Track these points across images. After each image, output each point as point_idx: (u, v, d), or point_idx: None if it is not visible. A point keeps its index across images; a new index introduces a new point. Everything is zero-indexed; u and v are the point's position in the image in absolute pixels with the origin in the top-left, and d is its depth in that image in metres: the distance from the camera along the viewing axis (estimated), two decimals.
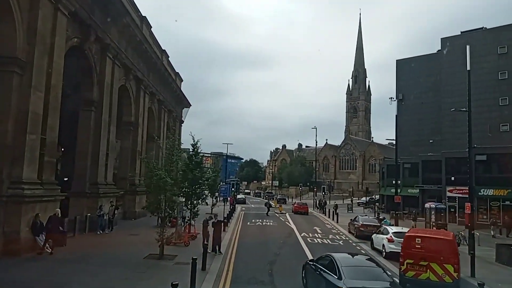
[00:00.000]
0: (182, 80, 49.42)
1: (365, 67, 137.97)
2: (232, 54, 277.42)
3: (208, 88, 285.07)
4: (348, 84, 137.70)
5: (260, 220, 32.84)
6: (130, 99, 29.33)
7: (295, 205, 45.43)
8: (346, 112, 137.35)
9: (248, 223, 30.67)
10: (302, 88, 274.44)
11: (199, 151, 20.70)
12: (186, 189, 19.47)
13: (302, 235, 23.93)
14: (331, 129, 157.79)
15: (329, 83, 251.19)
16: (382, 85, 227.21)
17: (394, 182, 49.21)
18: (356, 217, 26.90)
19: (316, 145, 55.85)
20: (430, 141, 49.78)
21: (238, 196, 60.19)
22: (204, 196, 21.80)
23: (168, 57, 40.79)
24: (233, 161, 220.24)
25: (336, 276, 8.70)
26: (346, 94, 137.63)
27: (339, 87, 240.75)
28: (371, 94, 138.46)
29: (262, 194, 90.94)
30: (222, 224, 20.47)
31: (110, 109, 23.81)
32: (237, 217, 35.56)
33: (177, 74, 45.93)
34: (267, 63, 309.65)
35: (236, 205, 50.25)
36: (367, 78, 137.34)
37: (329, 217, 38.98)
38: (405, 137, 52.85)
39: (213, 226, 17.34)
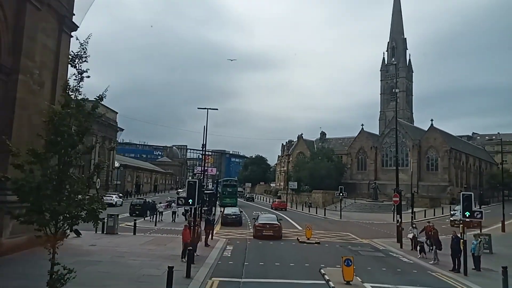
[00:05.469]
0: None
1: (405, 37, 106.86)
2: (239, 56, 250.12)
3: (214, 90, 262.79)
4: (383, 58, 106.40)
5: None
6: None
7: (275, 203, 54.17)
8: (381, 94, 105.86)
9: None
10: (314, 88, 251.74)
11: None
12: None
13: None
14: (354, 128, 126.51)
15: (345, 83, 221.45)
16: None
17: None
18: None
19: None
20: None
21: (226, 212, 29.87)
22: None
23: None
24: (237, 160, 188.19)
25: (256, 219, 25.22)
26: (381, 70, 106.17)
27: (358, 85, 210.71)
28: (412, 72, 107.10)
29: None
30: None
31: None
32: None
33: None
34: (276, 63, 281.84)
35: (217, 231, 20.43)
36: (407, 51, 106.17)
37: None
38: None
39: None
